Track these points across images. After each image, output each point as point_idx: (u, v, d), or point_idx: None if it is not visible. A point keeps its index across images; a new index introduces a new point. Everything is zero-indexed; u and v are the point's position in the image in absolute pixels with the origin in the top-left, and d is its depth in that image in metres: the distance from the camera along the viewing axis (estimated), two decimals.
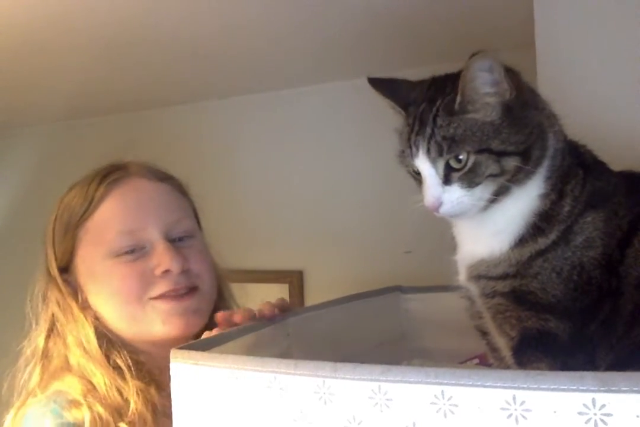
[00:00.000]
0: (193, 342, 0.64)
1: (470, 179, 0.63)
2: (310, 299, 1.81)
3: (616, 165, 0.71)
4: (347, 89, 1.75)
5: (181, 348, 0.59)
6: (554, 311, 0.63)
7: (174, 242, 0.93)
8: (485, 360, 0.88)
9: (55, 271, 0.95)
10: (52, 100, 1.96)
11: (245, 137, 1.96)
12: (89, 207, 0.93)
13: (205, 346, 0.61)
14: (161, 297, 0.90)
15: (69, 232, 0.94)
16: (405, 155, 0.69)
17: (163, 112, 2.08)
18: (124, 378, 0.86)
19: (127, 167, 0.98)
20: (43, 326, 0.94)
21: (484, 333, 0.74)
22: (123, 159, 1.00)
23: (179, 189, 1.01)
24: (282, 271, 1.83)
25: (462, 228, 0.72)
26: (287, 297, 1.80)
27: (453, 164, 0.64)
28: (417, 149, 0.66)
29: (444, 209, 0.65)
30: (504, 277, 0.66)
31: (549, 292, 0.63)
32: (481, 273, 0.68)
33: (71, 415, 0.80)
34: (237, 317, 0.78)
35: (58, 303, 0.93)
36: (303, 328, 0.82)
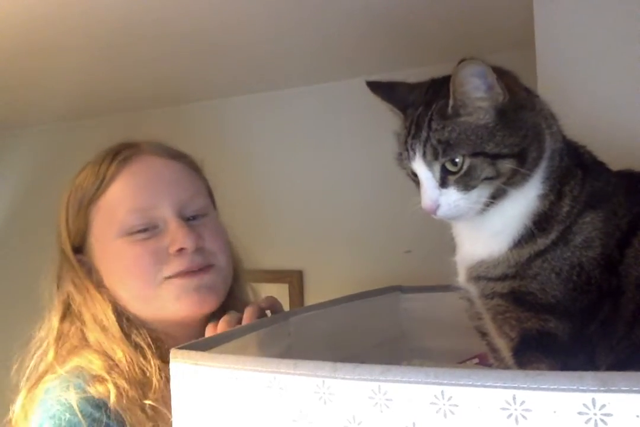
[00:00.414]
0: (193, 342, 0.64)
1: (466, 182, 0.63)
2: (310, 299, 1.81)
3: (616, 165, 0.71)
4: (350, 87, 1.76)
5: (181, 348, 0.59)
6: (553, 311, 0.63)
7: (188, 220, 0.92)
8: (485, 360, 0.88)
9: (69, 251, 0.93)
10: (52, 101, 1.97)
11: (244, 137, 1.96)
12: (100, 186, 0.91)
13: (205, 346, 0.61)
14: (175, 275, 0.88)
15: (82, 211, 0.92)
16: (403, 158, 0.69)
17: (163, 111, 2.08)
18: (145, 356, 0.84)
19: (138, 145, 0.96)
20: (58, 307, 0.92)
21: (483, 334, 0.74)
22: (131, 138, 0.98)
23: (192, 166, 1.00)
24: (282, 271, 1.83)
25: (461, 229, 0.72)
26: (287, 297, 1.81)
27: (449, 167, 0.64)
28: (414, 153, 0.66)
29: (441, 212, 0.65)
30: (503, 278, 0.66)
31: (549, 292, 0.63)
32: (481, 274, 0.68)
33: (95, 390, 0.78)
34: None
35: (74, 282, 0.91)
36: (304, 328, 0.82)
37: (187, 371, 0.56)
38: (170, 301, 0.88)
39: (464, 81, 0.63)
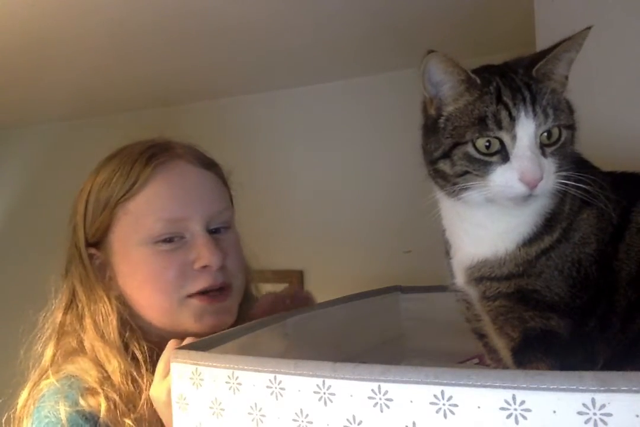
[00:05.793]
0: (193, 342, 0.64)
1: (563, 154, 0.59)
2: None
3: (614, 165, 0.71)
4: (346, 87, 1.76)
5: (181, 348, 0.59)
6: (556, 309, 0.63)
7: (212, 233, 0.91)
8: (485, 360, 0.88)
9: (82, 245, 0.91)
10: (55, 99, 1.97)
11: (244, 137, 1.96)
12: (131, 188, 0.88)
13: (205, 346, 0.61)
14: (197, 294, 0.87)
15: (107, 210, 0.89)
16: (489, 123, 0.59)
17: (163, 111, 2.08)
18: (139, 370, 0.83)
19: (173, 148, 0.93)
20: (63, 300, 0.91)
21: (481, 335, 0.73)
22: (164, 137, 0.95)
23: (221, 176, 0.99)
24: (282, 270, 1.83)
25: (463, 229, 0.71)
26: None
27: (544, 137, 0.60)
28: (519, 112, 0.58)
29: (542, 186, 0.57)
30: (508, 277, 0.65)
31: (553, 290, 0.63)
32: (484, 275, 0.67)
33: (86, 403, 0.78)
34: None
35: (81, 280, 0.90)
36: (302, 328, 0.82)
37: (187, 371, 0.56)
38: (188, 321, 0.87)
39: (576, 45, 0.61)
